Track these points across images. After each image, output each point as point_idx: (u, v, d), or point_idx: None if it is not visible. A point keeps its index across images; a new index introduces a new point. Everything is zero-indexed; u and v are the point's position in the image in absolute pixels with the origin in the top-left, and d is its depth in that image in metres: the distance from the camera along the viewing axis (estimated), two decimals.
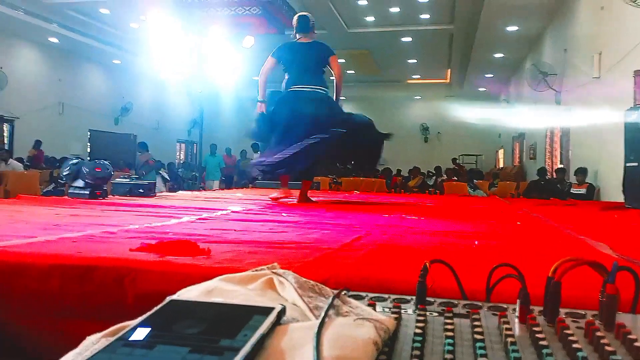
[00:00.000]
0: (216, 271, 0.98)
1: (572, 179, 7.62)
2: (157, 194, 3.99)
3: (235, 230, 1.84)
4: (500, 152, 18.35)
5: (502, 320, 0.69)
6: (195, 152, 18.69)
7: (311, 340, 0.55)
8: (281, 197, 3.70)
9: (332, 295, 0.72)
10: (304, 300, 0.70)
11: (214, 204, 3.17)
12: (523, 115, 13.21)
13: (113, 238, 1.52)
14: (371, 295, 0.83)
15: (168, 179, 10.86)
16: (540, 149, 11.37)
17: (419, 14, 11.85)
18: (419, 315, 0.73)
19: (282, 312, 0.62)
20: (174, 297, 0.68)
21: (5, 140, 12.46)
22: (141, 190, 3.70)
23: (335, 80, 3.80)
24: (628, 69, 5.82)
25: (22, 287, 1.10)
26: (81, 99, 14.43)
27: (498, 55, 13.30)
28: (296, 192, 3.82)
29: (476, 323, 0.69)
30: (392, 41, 13.64)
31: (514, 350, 0.59)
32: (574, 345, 0.59)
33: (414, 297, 0.81)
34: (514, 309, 0.74)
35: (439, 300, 0.81)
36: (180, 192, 5.69)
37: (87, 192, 3.17)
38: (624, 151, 4.16)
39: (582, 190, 7.02)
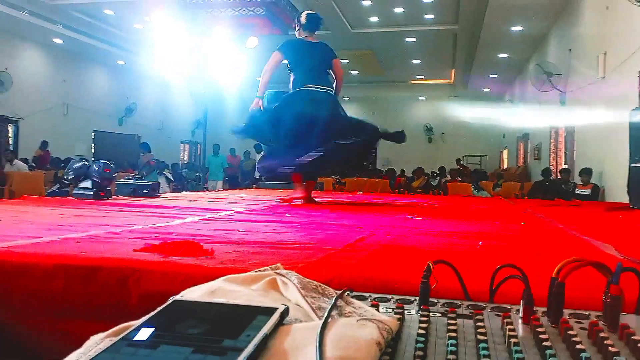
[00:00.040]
0: (219, 272, 0.98)
1: (577, 179, 7.59)
2: (161, 194, 4.00)
3: (238, 231, 1.85)
4: (505, 153, 18.29)
5: (505, 321, 0.69)
6: (199, 152, 18.74)
7: (314, 340, 0.55)
8: (300, 198, 3.68)
9: (335, 295, 0.72)
10: (307, 301, 0.70)
11: (218, 205, 3.17)
12: (527, 116, 13.17)
13: (117, 238, 1.52)
14: (374, 295, 0.83)
15: (172, 179, 10.89)
16: (544, 149, 11.34)
17: (423, 14, 11.83)
18: (422, 315, 0.73)
19: (285, 312, 0.62)
20: (178, 297, 0.68)
21: (10, 141, 12.52)
22: (145, 191, 3.71)
23: (335, 83, 3.75)
24: (633, 69, 5.80)
25: (26, 287, 1.10)
26: (85, 99, 14.48)
27: (502, 55, 13.27)
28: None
29: (479, 324, 0.69)
30: (396, 41, 13.63)
31: (517, 351, 0.59)
32: (578, 346, 0.59)
33: (417, 298, 0.81)
34: (518, 310, 0.74)
35: (442, 301, 0.81)
36: (184, 192, 5.70)
37: (92, 193, 3.19)
38: (629, 151, 4.14)
39: (587, 191, 7.00)
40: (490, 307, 0.79)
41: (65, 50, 13.64)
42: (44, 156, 12.18)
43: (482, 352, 0.59)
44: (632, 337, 0.62)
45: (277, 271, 0.82)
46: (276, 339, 0.57)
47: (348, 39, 12.89)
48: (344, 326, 0.60)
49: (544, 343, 0.61)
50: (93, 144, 14.87)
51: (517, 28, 10.93)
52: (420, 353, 0.59)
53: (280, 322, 0.60)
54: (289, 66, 3.67)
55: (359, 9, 11.55)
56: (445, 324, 0.70)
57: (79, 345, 0.57)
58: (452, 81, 18.23)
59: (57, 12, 11.46)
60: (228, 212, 2.65)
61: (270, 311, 0.61)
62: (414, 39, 13.50)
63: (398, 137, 3.76)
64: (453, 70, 16.80)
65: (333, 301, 0.68)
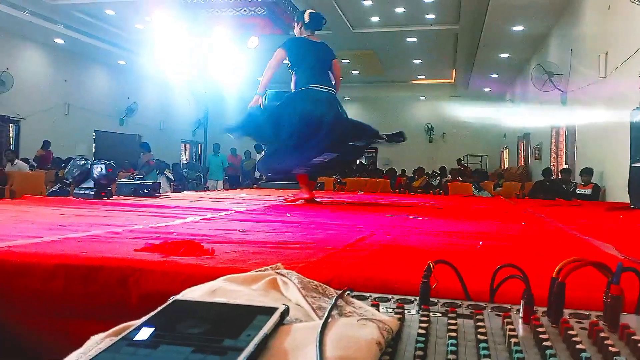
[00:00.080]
0: (220, 271, 0.98)
1: (578, 179, 7.59)
2: (162, 194, 4.00)
3: (239, 231, 1.85)
4: (505, 153, 18.29)
5: (505, 321, 0.69)
6: (199, 152, 18.74)
7: (314, 340, 0.55)
8: (307, 198, 3.66)
9: (335, 295, 0.72)
10: (307, 301, 0.70)
11: (218, 205, 3.17)
12: (528, 116, 13.17)
13: (117, 238, 1.52)
14: (375, 295, 0.83)
15: (172, 179, 10.90)
16: (545, 149, 11.34)
17: (424, 14, 11.83)
18: (422, 315, 0.73)
19: (286, 312, 0.62)
20: (178, 297, 0.68)
21: (11, 141, 12.53)
22: (146, 191, 3.71)
23: (334, 84, 3.72)
24: (634, 69, 5.79)
25: (26, 287, 1.10)
26: (86, 99, 14.49)
27: (503, 55, 13.27)
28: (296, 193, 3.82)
29: (480, 324, 0.69)
30: (397, 41, 13.63)
31: (517, 351, 0.59)
32: (578, 346, 0.59)
33: (417, 298, 0.81)
34: (518, 310, 0.74)
35: (443, 301, 0.81)
36: (184, 192, 5.71)
37: (92, 193, 3.19)
38: (629, 151, 4.14)
39: (588, 191, 6.99)
40: (491, 307, 0.79)
41: (66, 50, 13.64)
42: (46, 156, 12.19)
43: (483, 352, 0.59)
44: (633, 337, 0.62)
45: (278, 271, 0.82)
46: (276, 339, 0.57)
47: (349, 39, 12.88)
48: (344, 326, 0.60)
49: (544, 343, 0.61)
50: (94, 144, 14.89)
51: (518, 28, 10.92)
52: (420, 353, 0.59)
53: (280, 322, 0.60)
54: (289, 65, 3.63)
55: (360, 9, 11.55)
56: (446, 323, 0.70)
57: (79, 345, 0.57)
58: (453, 81, 18.22)
59: (58, 12, 11.46)
60: (228, 212, 2.65)
61: (270, 311, 0.61)
62: (414, 39, 13.50)
63: (397, 138, 3.71)
64: (454, 70, 16.80)
65: (333, 301, 0.68)
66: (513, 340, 0.62)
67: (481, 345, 0.61)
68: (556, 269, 0.74)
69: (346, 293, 0.76)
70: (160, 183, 4.35)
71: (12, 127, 12.57)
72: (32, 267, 1.10)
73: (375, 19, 12.23)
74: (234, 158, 14.07)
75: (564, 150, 9.75)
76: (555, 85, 9.15)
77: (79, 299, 1.08)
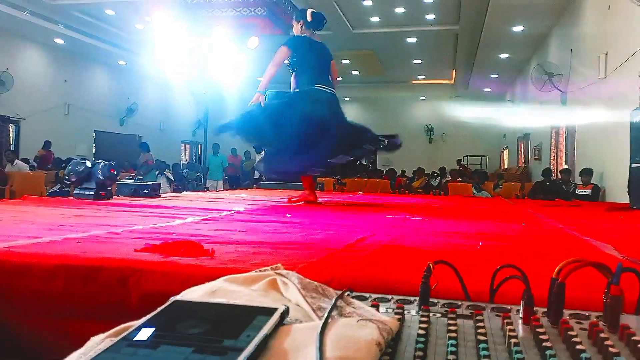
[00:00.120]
0: (220, 272, 0.98)
1: (577, 179, 7.59)
2: (162, 194, 4.00)
3: (239, 231, 1.85)
4: (505, 153, 18.29)
5: (505, 321, 0.69)
6: (199, 153, 18.75)
7: (314, 340, 0.55)
8: (312, 199, 3.64)
9: (335, 296, 0.72)
10: (307, 301, 0.71)
11: (218, 205, 3.17)
12: (528, 116, 13.17)
13: (117, 239, 1.52)
14: (374, 296, 0.83)
15: (173, 179, 10.90)
16: (545, 149, 11.34)
17: (424, 15, 11.83)
18: (422, 316, 0.73)
19: (286, 312, 0.62)
20: (178, 297, 0.68)
21: (11, 141, 12.53)
22: (146, 191, 3.71)
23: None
24: (634, 69, 5.79)
25: (26, 287, 1.10)
26: (86, 100, 14.49)
27: (503, 55, 13.27)
28: (298, 193, 3.81)
29: (479, 324, 0.69)
30: (397, 42, 13.63)
31: (517, 352, 0.59)
32: (578, 347, 0.59)
33: (417, 298, 0.81)
34: (518, 310, 0.74)
35: (443, 301, 0.81)
36: (185, 192, 5.71)
37: (92, 193, 3.19)
38: (629, 152, 4.14)
39: (587, 191, 6.99)
40: (491, 308, 0.79)
41: (66, 51, 13.65)
42: (47, 156, 12.19)
43: (482, 353, 0.59)
44: (633, 338, 0.62)
45: (278, 271, 0.82)
46: (276, 339, 0.57)
47: (349, 39, 12.88)
48: (344, 326, 0.60)
49: (544, 343, 0.61)
50: (94, 144, 14.89)
51: (518, 28, 10.92)
52: (420, 353, 0.59)
53: (280, 323, 0.60)
54: (290, 64, 3.56)
55: (360, 9, 11.55)
56: (446, 324, 0.70)
57: (79, 345, 0.57)
58: (452, 81, 18.22)
59: (58, 12, 11.47)
60: (228, 212, 2.65)
61: (270, 311, 0.61)
62: (414, 39, 13.50)
63: (394, 142, 3.64)
64: (454, 70, 16.80)
65: (333, 301, 0.68)
66: (513, 340, 0.62)
67: (481, 345, 0.61)
68: (556, 269, 0.74)
69: (346, 293, 0.76)
70: (160, 183, 4.35)
71: (12, 128, 12.57)
72: (32, 267, 1.10)
73: (375, 19, 12.23)
74: (235, 158, 14.07)
75: (564, 150, 9.75)
76: (555, 85, 9.15)
77: (79, 299, 1.08)
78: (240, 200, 3.79)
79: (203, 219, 2.27)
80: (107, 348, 0.52)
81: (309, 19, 3.60)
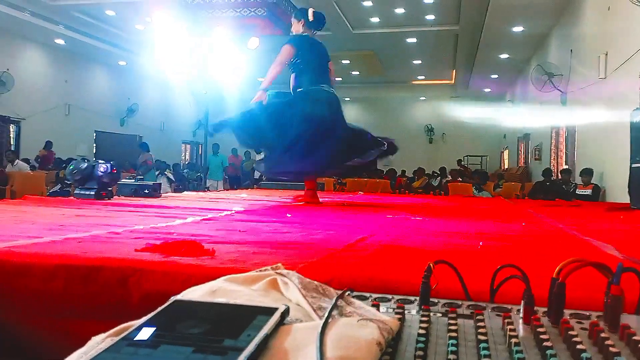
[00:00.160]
0: (220, 271, 0.98)
1: (578, 179, 7.59)
2: (162, 194, 4.00)
3: (239, 231, 1.85)
4: (505, 153, 18.29)
5: (506, 321, 0.69)
6: (200, 153, 18.75)
7: (314, 340, 0.55)
8: (315, 200, 3.63)
9: (335, 295, 0.72)
10: (307, 301, 0.70)
11: (219, 205, 3.17)
12: (528, 116, 13.17)
13: (118, 238, 1.52)
14: (375, 295, 0.83)
15: (173, 179, 10.90)
16: (545, 149, 11.34)
17: (424, 15, 11.83)
18: (422, 316, 0.73)
19: (286, 312, 0.62)
20: (178, 297, 0.68)
21: (12, 142, 12.54)
22: (146, 191, 3.71)
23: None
24: (634, 69, 5.79)
25: (27, 287, 1.10)
26: (87, 100, 14.50)
27: (503, 55, 13.27)
28: (299, 193, 3.81)
29: (480, 324, 0.69)
30: (397, 42, 13.63)
31: (517, 352, 0.59)
32: (579, 347, 0.59)
33: (417, 298, 0.81)
34: (518, 310, 0.74)
35: (443, 301, 0.81)
36: (185, 192, 5.71)
37: (93, 193, 3.19)
38: (629, 152, 4.14)
39: (588, 191, 6.99)
40: (491, 307, 0.79)
41: (66, 51, 13.65)
42: (48, 156, 12.20)
43: (483, 352, 0.59)
44: (633, 338, 0.62)
45: (278, 271, 0.82)
46: (277, 339, 0.57)
47: (349, 40, 12.88)
48: (344, 326, 0.60)
49: (544, 343, 0.61)
50: (94, 145, 14.90)
51: (518, 28, 10.93)
52: (420, 353, 0.59)
53: (280, 322, 0.60)
54: (291, 64, 3.51)
55: (360, 10, 11.55)
56: (446, 324, 0.70)
57: (79, 345, 0.57)
58: (453, 82, 18.22)
59: (59, 13, 11.47)
60: (229, 212, 2.65)
61: (270, 311, 0.61)
62: (414, 40, 13.50)
63: (391, 147, 3.57)
64: (454, 70, 16.80)
65: (334, 301, 0.68)
66: (513, 340, 0.62)
67: (481, 345, 0.61)
68: (556, 269, 0.74)
69: (346, 293, 0.76)
70: (160, 183, 4.35)
71: (12, 128, 12.58)
72: (32, 267, 1.10)
73: (375, 19, 12.24)
74: (235, 158, 14.07)
75: (564, 150, 9.75)
76: (555, 85, 9.15)
77: (79, 299, 1.08)
78: (240, 200, 3.79)
79: (203, 219, 2.27)
80: (108, 347, 0.52)
81: (310, 18, 3.56)
